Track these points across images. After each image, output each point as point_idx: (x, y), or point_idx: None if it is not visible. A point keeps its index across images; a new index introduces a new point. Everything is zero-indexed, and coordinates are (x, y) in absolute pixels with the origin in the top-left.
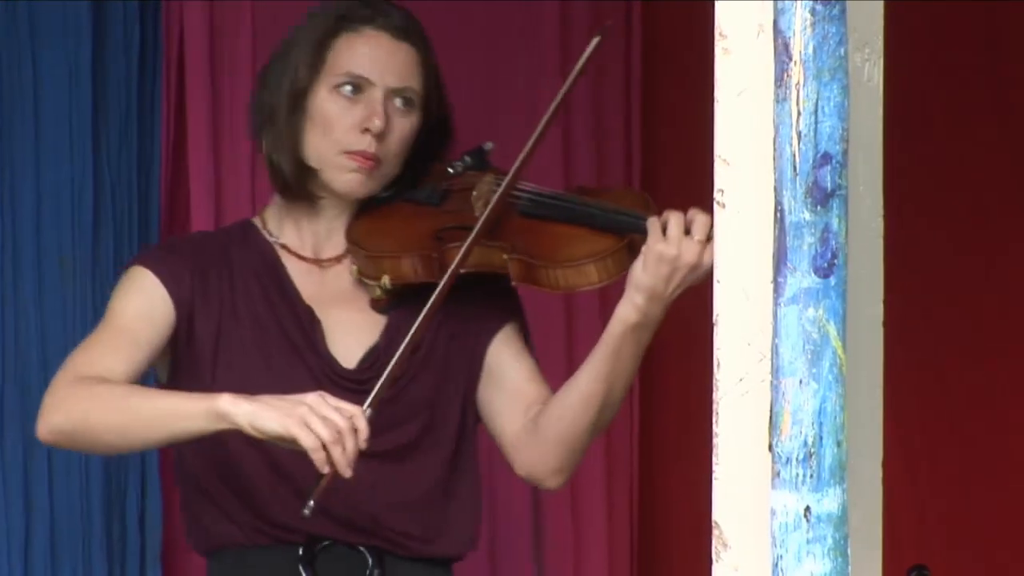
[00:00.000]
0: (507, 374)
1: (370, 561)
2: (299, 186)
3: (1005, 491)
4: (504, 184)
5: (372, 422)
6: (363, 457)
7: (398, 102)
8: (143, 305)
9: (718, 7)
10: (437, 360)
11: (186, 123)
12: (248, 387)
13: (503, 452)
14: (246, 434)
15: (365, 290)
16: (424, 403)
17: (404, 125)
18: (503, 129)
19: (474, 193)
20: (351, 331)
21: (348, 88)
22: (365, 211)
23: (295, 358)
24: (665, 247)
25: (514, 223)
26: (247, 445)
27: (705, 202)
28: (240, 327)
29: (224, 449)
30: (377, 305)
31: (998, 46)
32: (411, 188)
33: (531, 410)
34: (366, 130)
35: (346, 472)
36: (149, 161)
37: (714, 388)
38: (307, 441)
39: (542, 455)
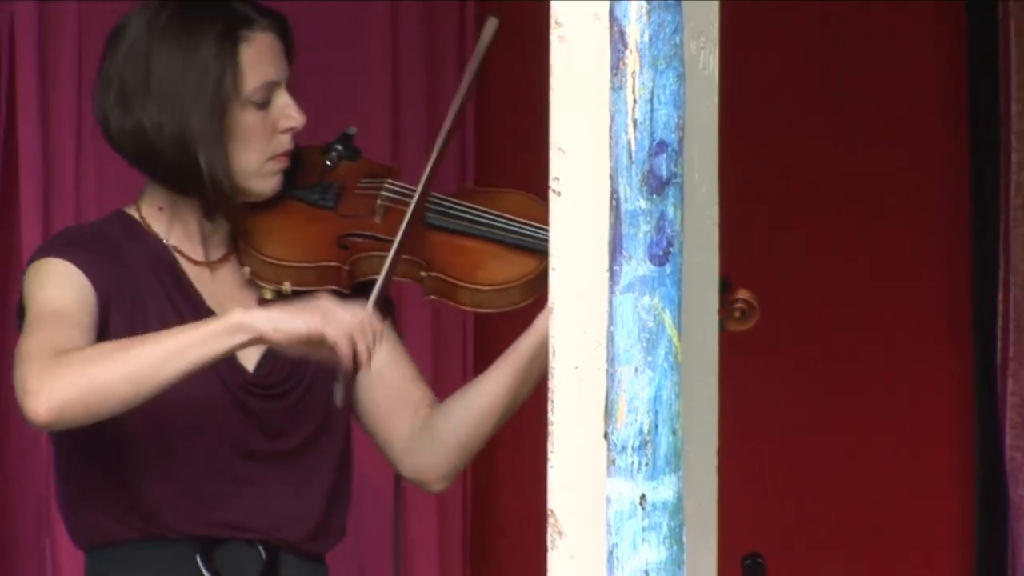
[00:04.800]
0: (390, 374)
1: (263, 557)
2: (233, 204)
3: (839, 481)
4: (413, 203)
5: (265, 425)
6: (258, 460)
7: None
8: (75, 294)
9: None
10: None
11: (16, 122)
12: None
13: (386, 452)
14: (262, 343)
15: (254, 288)
16: (319, 407)
17: None
18: (337, 125)
19: (378, 202)
20: None
21: (262, 96)
22: (251, 208)
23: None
24: None
25: (426, 237)
26: (145, 442)
27: (541, 191)
28: (149, 329)
29: (118, 444)
30: (266, 304)
31: (833, 33)
32: (290, 182)
33: (419, 412)
34: (288, 129)
35: (368, 366)
36: None
37: (550, 376)
38: (333, 334)
39: (437, 460)
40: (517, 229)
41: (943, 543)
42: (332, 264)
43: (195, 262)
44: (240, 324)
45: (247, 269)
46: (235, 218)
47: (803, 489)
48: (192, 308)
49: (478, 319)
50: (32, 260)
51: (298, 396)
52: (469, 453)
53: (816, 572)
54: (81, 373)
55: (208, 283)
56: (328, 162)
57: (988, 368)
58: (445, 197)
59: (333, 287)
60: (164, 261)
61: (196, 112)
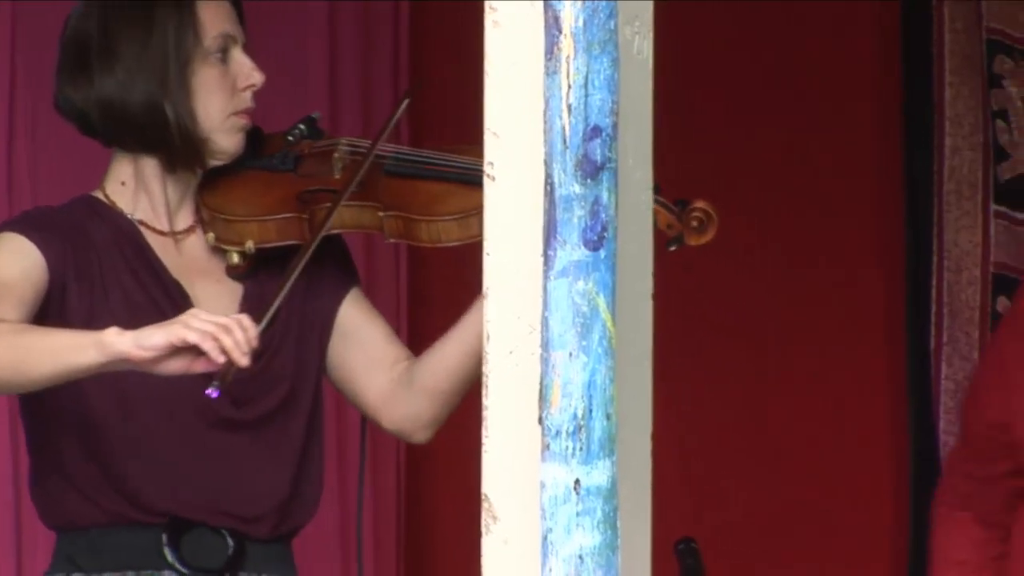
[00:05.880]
0: (365, 335)
1: (230, 544)
2: (199, 158)
3: (773, 466)
4: (375, 142)
5: (232, 392)
6: (225, 429)
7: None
8: (23, 267)
9: None
10: (294, 328)
11: None
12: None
13: (364, 410)
14: (133, 365)
15: (221, 258)
16: (286, 373)
17: None
18: (278, 120)
19: (335, 155)
20: (215, 304)
21: (220, 51)
22: (212, 180)
23: None
24: None
25: (382, 183)
26: (114, 416)
27: (476, 150)
28: (110, 306)
29: (88, 422)
30: (234, 271)
31: (767, 18)
32: (252, 157)
33: (396, 367)
34: (248, 86)
35: (242, 360)
36: None
37: (484, 360)
38: (193, 335)
39: (418, 409)
40: (473, 167)
41: (878, 527)
42: (292, 215)
43: (160, 233)
44: (103, 342)
45: (211, 235)
46: (199, 167)
47: (737, 474)
48: (156, 280)
49: (411, 269)
50: None
51: (264, 362)
52: (450, 401)
53: (750, 557)
54: None
55: (174, 255)
56: (290, 138)
57: (922, 353)
58: (400, 147)
59: (295, 241)
60: (128, 235)
61: (161, 68)
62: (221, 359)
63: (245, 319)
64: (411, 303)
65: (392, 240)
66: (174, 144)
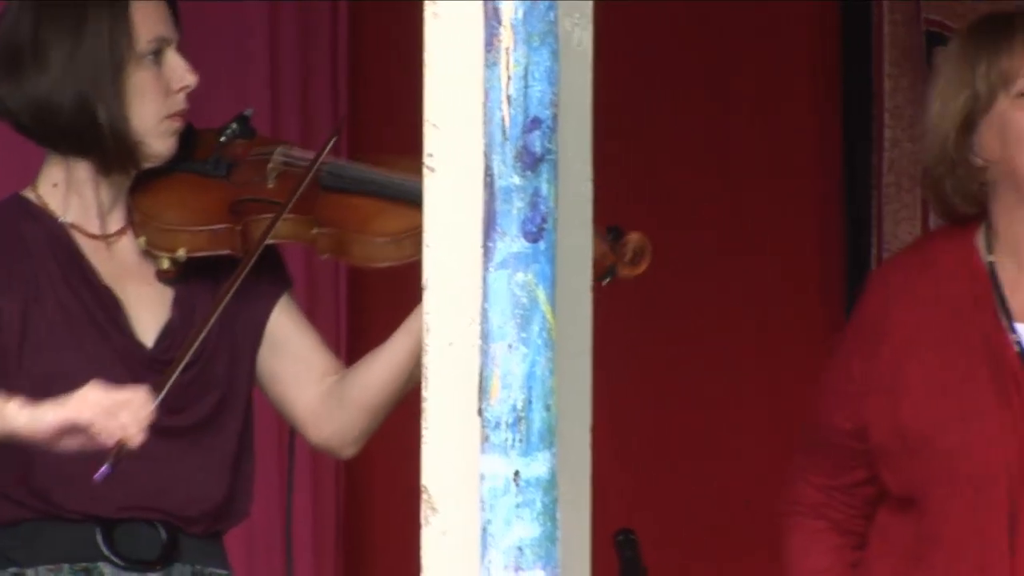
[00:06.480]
0: (293, 344)
1: (163, 536)
2: (132, 162)
3: (712, 457)
4: (317, 158)
5: (166, 398)
6: (160, 435)
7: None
8: None
9: None
10: (227, 335)
11: None
12: (58, 373)
13: (294, 423)
14: (28, 443)
15: (152, 262)
16: (220, 379)
17: None
18: (219, 119)
19: (269, 165)
20: (146, 308)
21: (154, 53)
22: (144, 182)
23: (103, 342)
24: None
25: (319, 198)
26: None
27: (415, 166)
28: (44, 310)
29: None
30: (164, 276)
31: (707, 9)
32: (184, 159)
33: (325, 380)
34: (182, 88)
35: (134, 439)
36: None
37: (423, 352)
38: (86, 416)
39: (345, 424)
40: (409, 186)
41: None
42: (225, 227)
43: (92, 236)
44: (3, 415)
45: (143, 239)
46: (132, 169)
47: (676, 466)
48: (88, 286)
49: (352, 279)
50: None
51: (198, 370)
52: (377, 417)
53: (689, 548)
54: None
55: (105, 259)
56: (222, 139)
57: None
58: (337, 160)
59: (227, 251)
60: (60, 240)
61: (94, 71)
62: (113, 440)
63: (142, 395)
64: (351, 313)
65: (326, 256)
66: (107, 147)
